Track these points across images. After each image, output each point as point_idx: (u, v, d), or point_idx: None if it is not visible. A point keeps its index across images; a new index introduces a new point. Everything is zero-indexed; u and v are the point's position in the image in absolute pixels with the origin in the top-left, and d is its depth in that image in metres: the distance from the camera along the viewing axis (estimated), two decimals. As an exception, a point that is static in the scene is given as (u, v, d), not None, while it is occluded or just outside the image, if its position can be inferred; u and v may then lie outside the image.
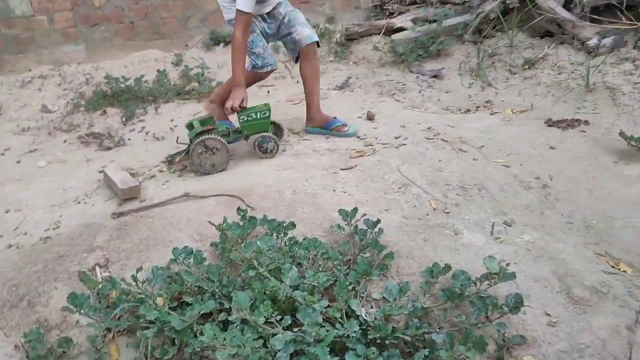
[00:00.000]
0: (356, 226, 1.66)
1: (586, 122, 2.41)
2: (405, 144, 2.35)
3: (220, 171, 2.25)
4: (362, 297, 1.48)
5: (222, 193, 1.96)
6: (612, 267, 1.52)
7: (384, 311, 1.39)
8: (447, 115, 2.79)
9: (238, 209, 1.76)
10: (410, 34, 3.80)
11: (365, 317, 1.39)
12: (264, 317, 1.27)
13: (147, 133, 2.86)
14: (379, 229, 1.63)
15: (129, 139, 2.82)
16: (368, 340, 1.35)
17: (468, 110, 2.84)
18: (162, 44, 4.09)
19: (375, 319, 1.39)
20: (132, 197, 2.04)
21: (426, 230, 1.73)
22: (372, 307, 1.48)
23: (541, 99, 2.82)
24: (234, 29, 2.28)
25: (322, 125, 2.61)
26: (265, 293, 1.39)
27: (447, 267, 1.47)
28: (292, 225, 1.68)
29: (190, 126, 2.29)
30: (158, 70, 3.60)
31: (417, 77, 3.48)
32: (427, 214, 1.82)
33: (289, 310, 1.40)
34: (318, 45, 2.51)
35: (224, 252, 1.59)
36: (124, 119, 3.06)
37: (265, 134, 2.31)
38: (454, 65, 3.48)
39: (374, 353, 1.29)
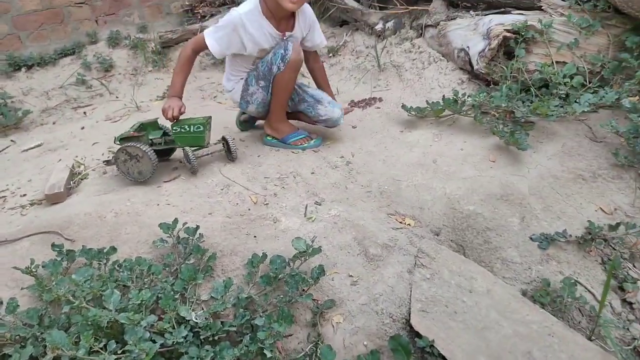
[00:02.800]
0: (178, 236, 1.73)
1: (380, 99, 2.76)
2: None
3: (146, 180, 2.14)
4: (192, 302, 1.56)
5: (36, 232, 1.87)
6: (400, 222, 1.81)
7: (210, 310, 1.49)
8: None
9: (53, 245, 1.70)
10: (224, 35, 3.88)
11: (195, 320, 1.48)
12: (85, 348, 1.28)
13: (-59, 182, 2.54)
14: (200, 234, 1.72)
15: None
16: (202, 340, 1.44)
17: (284, 103, 3.04)
18: (-53, 77, 3.60)
19: (205, 319, 1.48)
20: None
21: (248, 225, 1.86)
22: (202, 309, 1.57)
23: (345, 82, 3.13)
24: (186, 43, 2.22)
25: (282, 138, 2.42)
26: (89, 324, 1.39)
27: (264, 256, 1.62)
28: (113, 249, 1.68)
29: (139, 128, 2.19)
30: (-53, 108, 3.19)
31: (238, 76, 3.60)
32: (249, 209, 1.95)
33: (119, 334, 1.43)
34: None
35: (41, 293, 1.54)
36: None
37: (189, 149, 2.15)
38: (270, 60, 3.65)
39: (207, 351, 1.39)
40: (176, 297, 1.53)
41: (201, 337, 1.44)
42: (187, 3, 4.48)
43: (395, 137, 2.34)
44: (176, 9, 4.44)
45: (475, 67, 2.54)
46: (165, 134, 2.25)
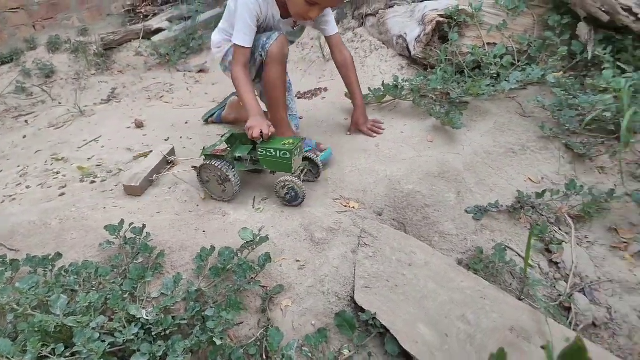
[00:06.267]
0: (125, 237, 1.73)
1: (325, 89, 2.81)
2: (173, 145, 2.45)
3: (230, 199, 1.99)
4: (142, 300, 1.57)
5: (-22, 245, 1.83)
6: (345, 206, 1.87)
7: (160, 305, 1.50)
8: (211, 107, 2.96)
9: (-5, 256, 1.67)
10: (169, 34, 3.86)
11: (146, 317, 1.49)
12: (33, 354, 1.28)
13: None
14: (147, 233, 1.73)
15: None
16: (154, 337, 1.46)
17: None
18: None
19: (156, 315, 1.50)
20: None
21: (197, 221, 1.88)
22: (153, 306, 1.58)
23: (291, 74, 3.15)
24: (232, 67, 2.02)
25: None
26: (36, 330, 1.39)
27: (213, 248, 1.64)
28: (58, 255, 1.67)
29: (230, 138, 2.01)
30: None
31: (184, 74, 3.58)
32: (197, 206, 1.97)
33: (69, 339, 1.43)
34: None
35: (-16, 305, 1.52)
36: None
37: (286, 180, 1.88)
38: (216, 57, 3.65)
39: (159, 346, 1.41)
40: (125, 296, 1.54)
41: (153, 334, 1.46)
42: (128, 3, 4.41)
43: (340, 124, 2.40)
44: (117, 10, 4.35)
45: (413, 52, 2.63)
46: (254, 147, 1.96)
